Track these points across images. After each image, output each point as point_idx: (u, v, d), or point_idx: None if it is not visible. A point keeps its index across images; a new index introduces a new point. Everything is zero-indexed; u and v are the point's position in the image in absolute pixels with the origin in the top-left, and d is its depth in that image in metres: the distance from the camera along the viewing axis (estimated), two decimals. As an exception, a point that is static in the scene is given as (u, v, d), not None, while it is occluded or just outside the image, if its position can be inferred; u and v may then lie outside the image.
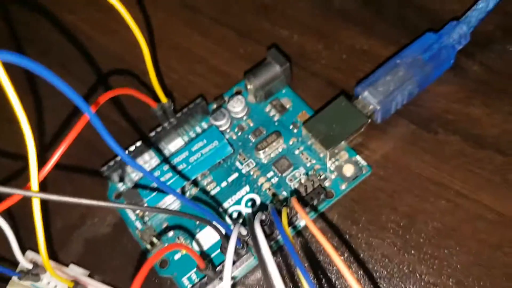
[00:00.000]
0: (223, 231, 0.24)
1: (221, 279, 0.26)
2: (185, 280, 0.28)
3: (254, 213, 0.28)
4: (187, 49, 0.37)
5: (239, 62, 0.36)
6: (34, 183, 0.19)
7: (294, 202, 0.23)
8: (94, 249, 0.30)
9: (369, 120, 0.29)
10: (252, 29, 0.37)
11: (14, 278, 0.27)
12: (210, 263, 0.25)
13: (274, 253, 0.27)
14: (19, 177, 0.34)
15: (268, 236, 0.27)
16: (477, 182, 0.29)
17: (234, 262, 0.26)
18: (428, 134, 0.31)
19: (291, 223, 0.28)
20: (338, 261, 0.18)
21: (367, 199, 0.29)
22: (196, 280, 0.27)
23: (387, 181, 0.30)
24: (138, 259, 0.30)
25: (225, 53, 0.36)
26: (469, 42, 0.31)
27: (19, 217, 0.32)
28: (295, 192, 0.29)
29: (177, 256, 0.29)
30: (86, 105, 0.17)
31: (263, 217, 0.24)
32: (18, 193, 0.18)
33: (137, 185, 0.30)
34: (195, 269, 0.28)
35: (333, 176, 0.30)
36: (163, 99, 0.29)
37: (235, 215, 0.30)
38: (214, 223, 0.23)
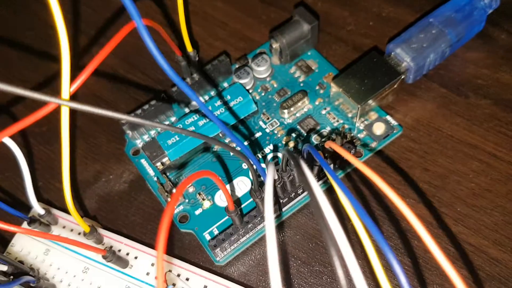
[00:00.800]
0: (257, 171, 0.22)
1: (259, 218, 0.24)
2: (206, 235, 0.27)
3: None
4: (209, 14, 0.36)
5: (262, 28, 0.35)
6: (65, 91, 0.17)
7: (332, 144, 0.21)
8: (109, 205, 0.29)
9: (403, 76, 0.28)
10: (275, -3, 0.36)
11: (25, 224, 0.25)
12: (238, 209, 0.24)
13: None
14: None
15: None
16: (510, 144, 0.28)
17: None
18: (459, 98, 0.30)
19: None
20: (393, 195, 0.17)
21: (397, 160, 0.28)
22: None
23: (418, 143, 0.29)
24: (157, 216, 0.28)
25: (248, 19, 0.36)
26: (497, 11, 0.31)
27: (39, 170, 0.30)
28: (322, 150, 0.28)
29: (197, 212, 0.27)
30: (137, 13, 0.16)
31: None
32: (49, 100, 0.17)
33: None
34: (216, 224, 0.27)
35: (362, 136, 0.29)
36: (189, 47, 0.28)
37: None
38: (252, 161, 0.21)
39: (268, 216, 0.17)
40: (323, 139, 0.28)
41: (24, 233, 0.20)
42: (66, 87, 0.17)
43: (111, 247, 0.24)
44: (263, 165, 0.28)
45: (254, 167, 0.22)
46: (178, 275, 0.25)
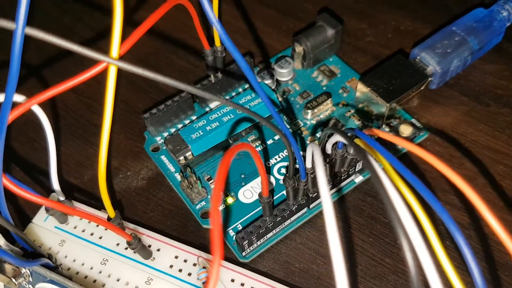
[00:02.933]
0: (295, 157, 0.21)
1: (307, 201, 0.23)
2: (230, 231, 0.25)
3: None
4: (229, 22, 0.36)
5: (282, 37, 0.35)
6: (115, 50, 0.17)
7: (377, 131, 0.20)
8: (127, 201, 0.28)
9: (430, 78, 0.28)
10: (294, 9, 0.37)
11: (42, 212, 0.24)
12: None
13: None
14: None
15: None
16: (534, 150, 0.28)
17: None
18: (480, 106, 0.30)
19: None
20: (452, 174, 0.16)
21: (423, 162, 0.28)
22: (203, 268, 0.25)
23: (443, 146, 0.28)
24: (176, 213, 0.27)
25: (267, 29, 0.36)
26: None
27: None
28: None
29: (220, 208, 0.26)
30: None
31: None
32: (97, 57, 0.16)
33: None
34: (240, 220, 0.26)
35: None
36: (218, 42, 0.28)
37: (283, 170, 0.27)
38: (293, 146, 0.21)
39: (323, 188, 0.16)
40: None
41: (53, 206, 0.19)
42: (116, 46, 0.17)
43: (136, 235, 0.23)
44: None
45: (293, 151, 0.21)
46: (204, 268, 0.23)
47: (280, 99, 0.31)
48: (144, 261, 0.24)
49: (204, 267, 0.22)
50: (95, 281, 0.23)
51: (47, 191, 0.27)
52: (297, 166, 0.23)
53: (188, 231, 0.26)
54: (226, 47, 0.17)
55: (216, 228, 0.14)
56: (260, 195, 0.22)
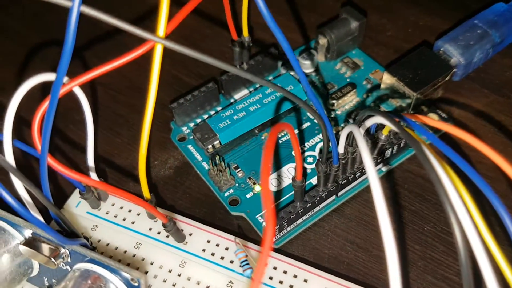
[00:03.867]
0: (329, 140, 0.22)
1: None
2: (259, 218, 0.26)
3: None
4: (252, 19, 0.37)
5: (303, 31, 0.35)
6: (162, 29, 0.17)
7: (410, 115, 0.20)
8: (155, 190, 0.28)
9: (455, 69, 0.28)
10: (315, 4, 0.37)
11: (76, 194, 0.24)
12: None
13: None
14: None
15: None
16: (558, 140, 0.28)
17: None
18: (502, 98, 0.30)
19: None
20: (493, 154, 0.16)
21: (464, 146, 0.28)
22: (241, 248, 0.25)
23: (466, 136, 0.28)
24: (204, 200, 0.27)
25: (288, 23, 0.36)
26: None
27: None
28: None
29: (248, 195, 0.26)
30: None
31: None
32: (145, 36, 0.16)
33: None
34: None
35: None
36: (246, 32, 0.28)
37: (309, 160, 0.28)
38: (327, 128, 0.21)
39: (369, 167, 0.16)
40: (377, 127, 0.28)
41: (99, 186, 0.19)
42: (163, 25, 0.17)
43: (171, 218, 0.23)
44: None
45: (328, 134, 0.21)
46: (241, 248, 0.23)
47: (304, 90, 0.31)
48: (177, 244, 0.24)
49: (240, 248, 0.22)
50: (128, 264, 0.23)
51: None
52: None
53: (217, 218, 0.26)
54: (271, 27, 0.17)
55: (268, 208, 0.14)
56: (293, 179, 0.22)
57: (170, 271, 0.23)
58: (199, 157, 0.29)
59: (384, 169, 0.27)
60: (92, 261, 0.19)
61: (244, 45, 0.29)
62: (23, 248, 0.20)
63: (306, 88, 0.19)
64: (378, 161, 0.26)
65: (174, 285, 0.23)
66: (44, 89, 0.21)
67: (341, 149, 0.23)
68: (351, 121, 0.29)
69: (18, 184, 0.19)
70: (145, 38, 0.17)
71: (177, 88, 0.33)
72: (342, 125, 0.29)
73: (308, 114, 0.30)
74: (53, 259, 0.19)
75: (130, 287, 0.19)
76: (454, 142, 0.27)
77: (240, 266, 0.23)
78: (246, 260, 0.22)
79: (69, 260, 0.20)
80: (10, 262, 0.20)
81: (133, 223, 0.25)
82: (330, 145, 0.22)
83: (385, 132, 0.23)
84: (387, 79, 0.29)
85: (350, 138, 0.22)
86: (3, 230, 0.21)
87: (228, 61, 0.33)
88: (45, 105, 0.18)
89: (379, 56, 0.33)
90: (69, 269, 0.20)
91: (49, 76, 0.18)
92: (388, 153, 0.26)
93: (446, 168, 0.16)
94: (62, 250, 0.20)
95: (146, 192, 0.22)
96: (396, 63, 0.29)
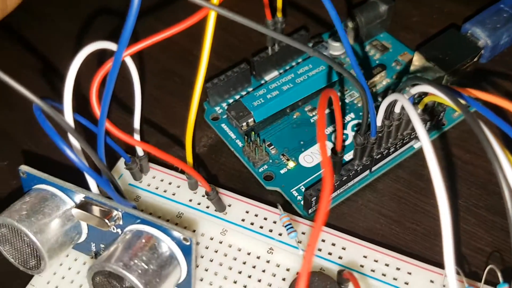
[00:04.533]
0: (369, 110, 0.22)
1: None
2: (294, 192, 0.26)
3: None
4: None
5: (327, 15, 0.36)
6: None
7: (455, 87, 0.21)
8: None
9: (482, 51, 0.29)
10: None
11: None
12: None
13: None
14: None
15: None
16: None
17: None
18: (527, 81, 0.31)
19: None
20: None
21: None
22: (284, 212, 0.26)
23: (494, 116, 0.29)
24: (239, 176, 0.28)
25: (315, 9, 0.37)
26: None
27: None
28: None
29: (282, 171, 0.27)
30: None
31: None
32: (199, 3, 0.17)
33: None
34: (303, 182, 0.27)
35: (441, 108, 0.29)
36: (279, 13, 0.29)
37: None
38: (368, 98, 0.22)
39: (420, 130, 0.17)
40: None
41: (153, 152, 0.20)
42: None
43: (214, 186, 0.24)
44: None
45: (368, 105, 0.22)
46: (274, 222, 0.24)
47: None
48: (217, 214, 0.25)
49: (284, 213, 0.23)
50: (173, 231, 0.24)
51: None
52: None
53: (251, 193, 0.27)
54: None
55: (327, 174, 0.15)
56: (332, 150, 0.23)
57: (211, 239, 0.24)
58: (232, 135, 0.30)
59: (416, 146, 0.28)
60: (144, 222, 0.20)
61: (277, 26, 0.30)
62: (76, 211, 0.21)
63: (351, 59, 0.20)
64: (411, 137, 0.27)
65: (216, 251, 0.24)
66: (97, 58, 0.22)
67: (379, 122, 0.23)
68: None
69: (75, 147, 0.20)
70: (200, 5, 0.18)
71: (209, 71, 0.34)
72: (380, 99, 0.30)
73: (338, 93, 0.31)
74: (106, 220, 0.20)
75: (181, 247, 0.20)
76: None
77: (285, 228, 0.23)
78: (290, 224, 0.23)
79: (120, 222, 0.21)
80: (61, 227, 0.21)
81: (173, 194, 0.26)
82: (369, 117, 0.23)
83: (421, 106, 0.24)
84: (418, 60, 0.29)
85: (388, 110, 0.23)
86: (54, 195, 0.22)
87: (260, 41, 0.34)
88: (101, 72, 0.19)
89: (406, 40, 0.34)
90: (120, 232, 0.21)
91: (105, 44, 0.19)
92: (420, 129, 0.27)
93: (494, 136, 0.17)
94: (115, 213, 0.21)
95: (190, 162, 0.23)
96: (426, 44, 0.30)
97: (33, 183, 0.22)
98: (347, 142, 0.28)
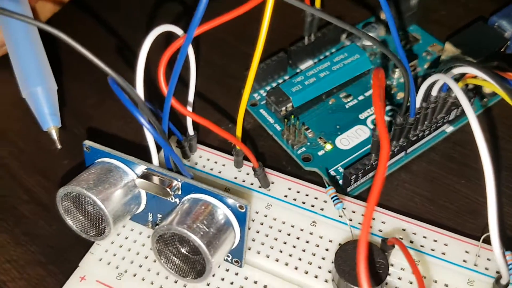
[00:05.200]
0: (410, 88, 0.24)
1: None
2: (332, 172, 0.28)
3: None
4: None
5: (361, 9, 0.38)
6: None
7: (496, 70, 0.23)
8: (229, 150, 0.30)
9: (508, 42, 0.31)
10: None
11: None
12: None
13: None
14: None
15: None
16: None
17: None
18: (553, 71, 0.33)
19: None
20: None
21: (506, 117, 0.31)
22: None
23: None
24: (278, 157, 0.30)
25: (345, 2, 0.39)
26: None
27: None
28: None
29: (320, 153, 0.29)
30: None
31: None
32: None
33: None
34: (340, 163, 0.29)
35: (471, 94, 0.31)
36: (318, 3, 0.31)
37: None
38: (409, 76, 0.23)
39: (467, 106, 0.19)
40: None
41: (209, 126, 0.22)
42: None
43: (261, 163, 0.26)
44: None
45: (410, 86, 0.24)
46: (316, 198, 0.26)
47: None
48: (261, 190, 0.27)
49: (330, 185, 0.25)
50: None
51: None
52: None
53: (290, 173, 0.29)
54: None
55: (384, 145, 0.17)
56: (374, 129, 0.25)
57: (257, 212, 0.26)
58: (271, 120, 0.31)
59: (448, 130, 0.30)
60: (201, 191, 0.22)
61: (315, 17, 0.31)
62: (140, 181, 0.23)
63: (396, 41, 0.22)
64: (444, 121, 0.29)
65: (261, 224, 0.25)
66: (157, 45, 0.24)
67: (418, 104, 0.25)
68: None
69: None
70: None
71: (245, 62, 0.36)
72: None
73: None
74: (168, 189, 0.22)
75: (236, 214, 0.22)
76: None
77: (331, 199, 0.25)
78: (336, 195, 0.25)
79: (179, 192, 0.23)
80: (124, 197, 0.23)
81: (219, 172, 0.28)
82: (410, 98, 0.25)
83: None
84: (448, 50, 0.31)
85: (427, 92, 0.25)
86: (117, 167, 0.24)
87: (294, 33, 0.36)
88: (169, 52, 0.21)
89: (435, 33, 0.36)
90: (177, 201, 0.23)
91: (171, 27, 0.21)
92: (453, 114, 0.29)
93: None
94: (175, 183, 0.23)
95: (239, 134, 0.25)
96: (456, 35, 0.31)
97: (96, 157, 0.24)
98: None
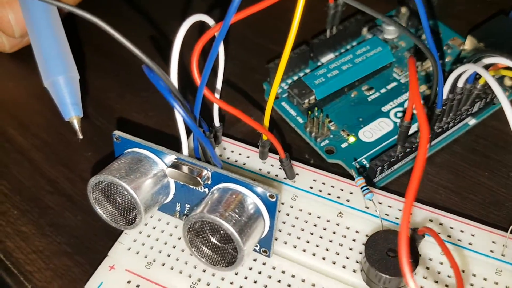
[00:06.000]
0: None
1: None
2: (355, 164, 0.29)
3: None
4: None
5: (381, 3, 0.38)
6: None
7: None
8: (255, 141, 0.31)
9: (530, 34, 0.31)
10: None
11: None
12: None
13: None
14: None
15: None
16: None
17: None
18: None
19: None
20: None
21: None
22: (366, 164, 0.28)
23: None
24: (300, 151, 0.30)
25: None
26: None
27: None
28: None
29: (343, 145, 0.30)
30: None
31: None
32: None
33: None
34: (364, 155, 0.29)
35: (492, 88, 0.31)
36: (340, -4, 0.31)
37: (399, 114, 0.31)
38: (437, 65, 0.24)
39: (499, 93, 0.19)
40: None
41: (241, 117, 0.22)
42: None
43: (288, 154, 0.26)
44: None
45: (438, 77, 0.24)
46: (341, 189, 0.26)
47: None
48: (287, 181, 0.27)
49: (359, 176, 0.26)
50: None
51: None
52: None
53: (313, 166, 0.30)
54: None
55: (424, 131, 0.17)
56: (402, 120, 0.26)
57: (283, 203, 0.26)
58: (293, 112, 0.32)
59: (470, 123, 0.30)
60: (230, 181, 0.23)
61: (338, 9, 0.32)
62: (170, 171, 0.23)
63: (426, 32, 0.22)
64: (468, 113, 0.29)
65: (287, 215, 0.26)
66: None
67: (445, 95, 0.26)
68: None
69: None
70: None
71: (265, 56, 0.36)
72: (429, 84, 0.32)
73: (394, 75, 0.33)
74: (199, 178, 0.23)
75: (266, 203, 0.22)
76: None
77: (361, 190, 0.25)
78: (366, 185, 0.25)
79: (209, 182, 0.23)
80: (154, 187, 0.24)
81: (244, 164, 0.28)
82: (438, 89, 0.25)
83: (481, 82, 0.26)
84: (470, 43, 0.32)
85: (454, 84, 0.25)
86: (147, 157, 0.24)
87: (319, 25, 0.36)
88: (202, 41, 0.21)
89: (454, 27, 0.36)
90: (207, 191, 0.24)
91: (203, 17, 0.22)
92: (476, 106, 0.29)
93: None
94: (205, 172, 0.23)
95: (267, 123, 0.25)
96: (477, 29, 0.32)
97: (125, 148, 0.25)
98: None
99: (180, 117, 0.22)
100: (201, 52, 0.22)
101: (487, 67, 0.26)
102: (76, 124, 0.28)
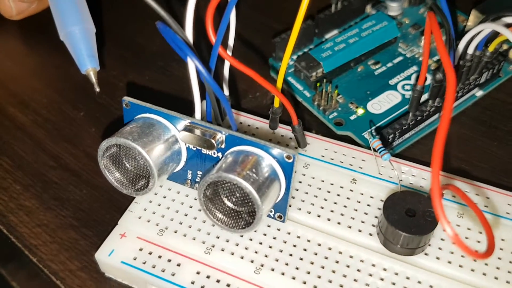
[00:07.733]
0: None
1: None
2: (366, 135, 0.29)
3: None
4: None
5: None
6: None
7: None
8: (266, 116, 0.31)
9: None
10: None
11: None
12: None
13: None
14: None
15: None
16: None
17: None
18: None
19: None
20: None
21: None
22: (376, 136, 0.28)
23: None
24: (310, 124, 0.30)
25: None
26: None
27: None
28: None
29: (352, 117, 0.30)
30: None
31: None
32: None
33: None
34: (374, 127, 0.29)
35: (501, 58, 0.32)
36: (346, -30, 0.31)
37: (407, 87, 0.31)
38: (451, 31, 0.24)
39: None
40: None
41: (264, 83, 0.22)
42: None
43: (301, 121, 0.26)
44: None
45: (451, 33, 0.24)
46: (354, 157, 0.26)
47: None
48: (298, 150, 0.27)
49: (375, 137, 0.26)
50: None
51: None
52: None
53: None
54: None
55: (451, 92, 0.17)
56: (415, 84, 0.26)
57: (295, 172, 0.26)
58: (299, 87, 0.32)
59: (477, 94, 0.30)
60: (246, 143, 0.23)
61: (343, -16, 0.32)
62: (184, 134, 0.23)
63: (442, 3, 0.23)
64: (476, 83, 0.29)
65: (300, 182, 0.26)
66: None
67: (456, 61, 0.26)
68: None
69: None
70: None
71: (268, 33, 0.36)
72: (435, 58, 0.32)
73: (400, 50, 0.33)
74: (213, 141, 0.22)
75: (282, 164, 0.22)
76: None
77: (377, 151, 0.25)
78: (382, 147, 0.25)
79: (223, 146, 0.23)
80: (165, 153, 0.23)
81: (253, 135, 0.28)
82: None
83: (491, 49, 0.27)
84: (474, 18, 0.32)
85: (465, 50, 0.26)
86: (159, 122, 0.24)
87: (315, 5, 0.36)
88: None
89: (458, 7, 0.37)
90: (220, 156, 0.24)
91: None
92: (484, 77, 0.29)
93: None
94: (219, 135, 0.23)
95: (280, 85, 0.25)
96: (480, 4, 0.32)
97: (135, 114, 0.24)
98: (408, 95, 0.31)
99: (194, 78, 0.22)
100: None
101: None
102: (93, 77, 0.28)
